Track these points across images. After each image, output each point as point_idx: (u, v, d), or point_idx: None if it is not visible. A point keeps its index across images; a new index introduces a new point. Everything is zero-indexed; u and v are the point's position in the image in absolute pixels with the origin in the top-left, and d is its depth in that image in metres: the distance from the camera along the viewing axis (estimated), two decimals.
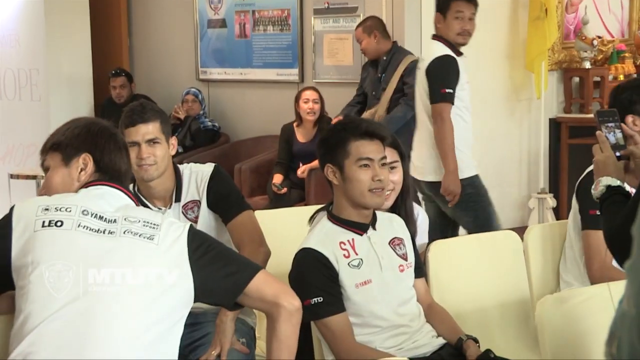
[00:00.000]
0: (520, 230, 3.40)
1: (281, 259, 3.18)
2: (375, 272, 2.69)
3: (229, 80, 7.25)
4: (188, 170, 2.94)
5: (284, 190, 5.96)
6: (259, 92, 7.11)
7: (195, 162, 3.03)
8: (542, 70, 6.37)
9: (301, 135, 6.10)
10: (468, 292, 3.12)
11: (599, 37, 6.75)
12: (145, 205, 2.82)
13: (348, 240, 2.68)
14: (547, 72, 6.48)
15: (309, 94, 6.05)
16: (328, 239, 2.67)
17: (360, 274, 2.66)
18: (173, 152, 2.88)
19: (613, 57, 6.83)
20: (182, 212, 2.89)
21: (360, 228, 2.72)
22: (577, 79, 6.81)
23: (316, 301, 2.59)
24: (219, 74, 7.31)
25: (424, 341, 2.72)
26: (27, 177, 6.33)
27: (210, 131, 7.09)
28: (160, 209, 2.87)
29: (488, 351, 2.68)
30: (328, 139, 2.72)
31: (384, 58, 5.65)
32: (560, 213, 6.53)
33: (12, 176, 6.48)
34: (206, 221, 2.91)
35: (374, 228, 2.75)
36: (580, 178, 3.13)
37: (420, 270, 2.86)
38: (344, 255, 2.66)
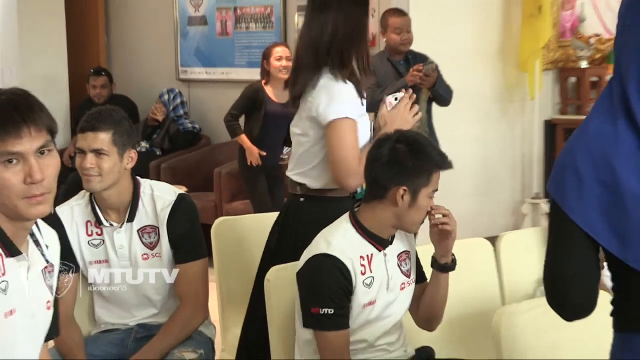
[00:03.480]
0: None
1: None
2: (382, 293, 2.67)
3: (210, 81, 7.41)
4: (149, 189, 2.96)
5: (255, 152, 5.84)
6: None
7: (163, 178, 2.99)
8: (536, 70, 6.50)
9: (274, 95, 5.95)
10: None
11: (597, 36, 6.86)
12: (98, 216, 2.94)
13: (367, 256, 2.64)
14: (542, 72, 6.61)
15: (281, 51, 5.91)
16: (351, 249, 2.62)
17: (369, 294, 2.64)
18: (130, 166, 2.89)
19: (611, 56, 6.91)
20: (139, 236, 2.92)
21: (381, 244, 2.68)
22: (573, 79, 6.92)
23: (326, 312, 2.56)
24: (200, 74, 7.46)
25: (397, 355, 2.76)
26: None
27: (190, 133, 7.22)
28: (112, 224, 2.94)
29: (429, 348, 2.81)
30: (406, 161, 2.58)
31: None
32: None
33: None
34: (169, 255, 2.95)
35: (391, 242, 2.72)
36: None
37: (423, 275, 2.86)
38: (361, 272, 2.62)
